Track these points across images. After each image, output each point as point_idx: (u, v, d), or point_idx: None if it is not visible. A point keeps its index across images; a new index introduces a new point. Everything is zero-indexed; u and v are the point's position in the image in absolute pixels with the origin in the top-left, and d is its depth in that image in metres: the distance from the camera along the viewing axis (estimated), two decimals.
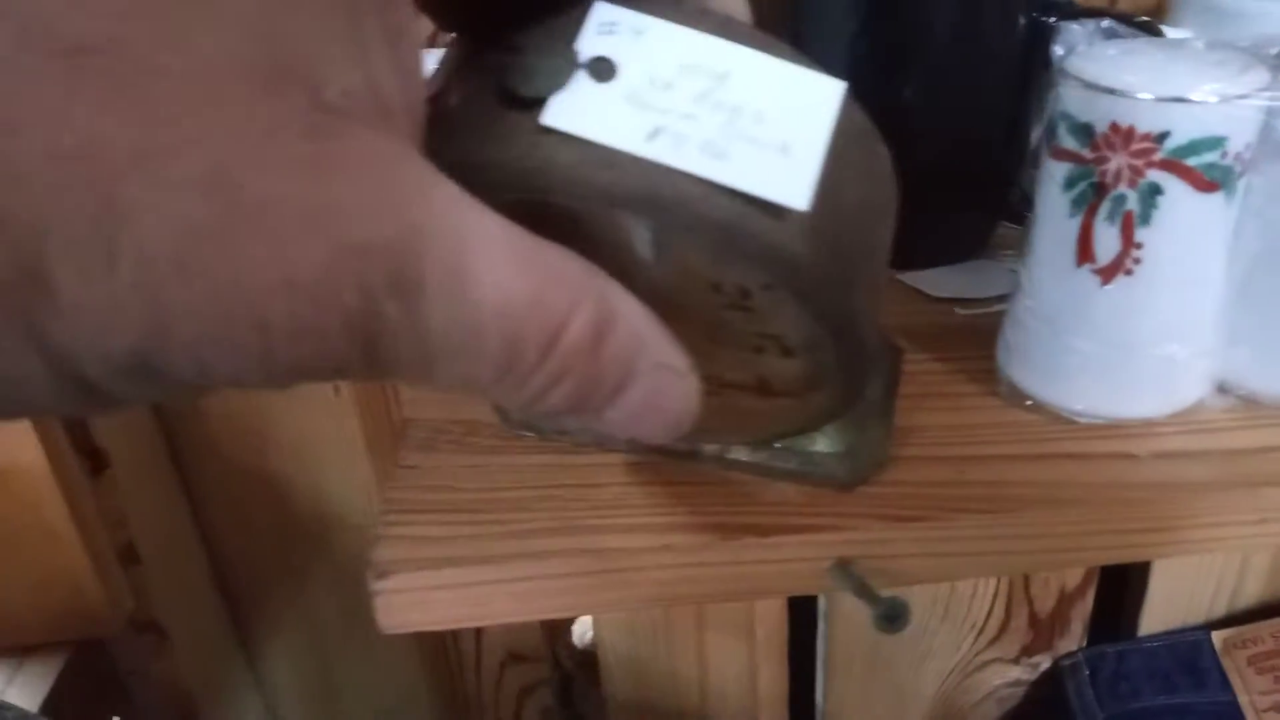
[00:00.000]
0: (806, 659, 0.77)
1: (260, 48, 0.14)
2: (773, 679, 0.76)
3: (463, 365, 0.16)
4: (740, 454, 0.34)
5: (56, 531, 0.53)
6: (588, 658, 0.78)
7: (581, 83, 0.19)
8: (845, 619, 0.75)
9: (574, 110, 0.18)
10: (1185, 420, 0.36)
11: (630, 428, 0.18)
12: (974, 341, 0.41)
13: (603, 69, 0.19)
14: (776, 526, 0.33)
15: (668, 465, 0.35)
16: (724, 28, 0.20)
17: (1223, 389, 0.37)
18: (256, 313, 0.14)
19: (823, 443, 0.33)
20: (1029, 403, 0.37)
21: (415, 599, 0.32)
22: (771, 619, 0.73)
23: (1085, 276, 0.34)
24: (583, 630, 0.80)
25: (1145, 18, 0.39)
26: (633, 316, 0.17)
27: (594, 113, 0.18)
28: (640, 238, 0.22)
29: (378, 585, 0.32)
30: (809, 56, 0.20)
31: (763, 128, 0.19)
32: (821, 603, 0.75)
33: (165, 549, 0.62)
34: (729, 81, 0.19)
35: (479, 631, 0.74)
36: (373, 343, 0.15)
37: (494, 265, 0.15)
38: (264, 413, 0.62)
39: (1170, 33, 0.40)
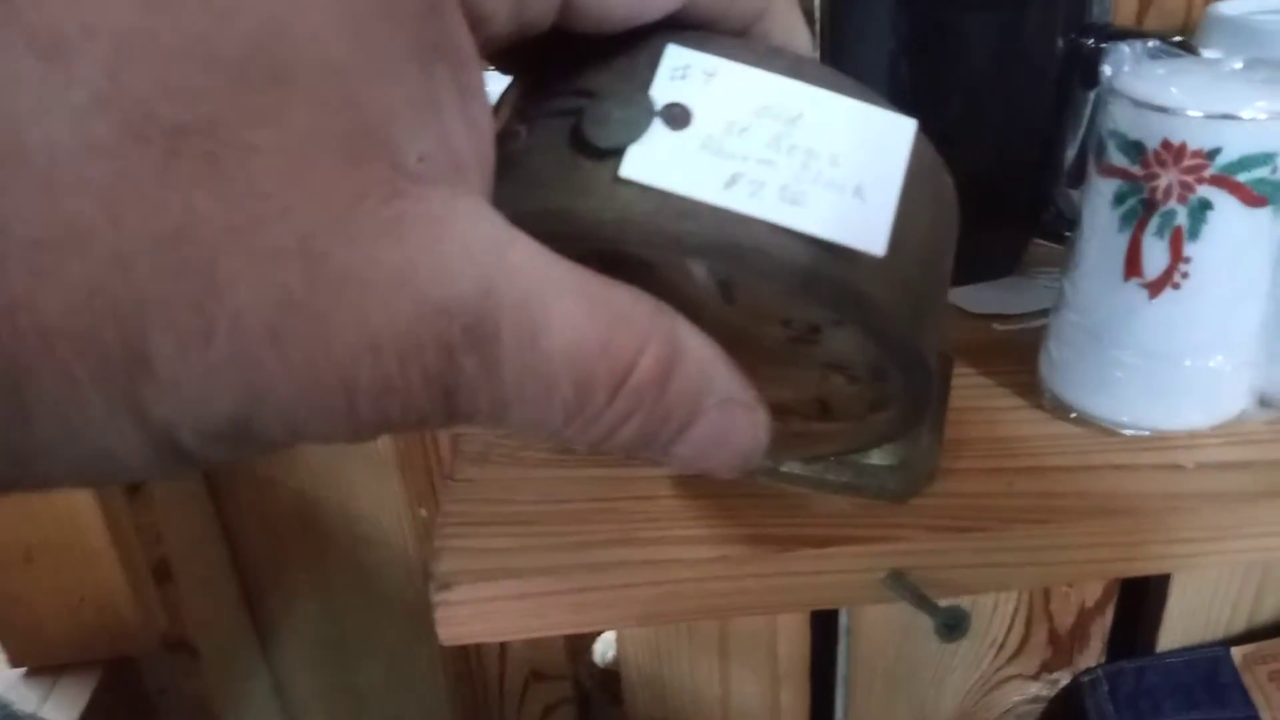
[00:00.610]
0: (828, 677, 0.77)
1: (343, 118, 0.14)
2: (794, 698, 0.76)
3: (536, 411, 0.16)
4: (794, 467, 0.34)
5: (94, 549, 0.53)
6: (608, 677, 0.79)
7: (657, 131, 0.19)
8: (867, 637, 0.75)
9: (651, 161, 0.18)
10: (1228, 432, 0.37)
11: (698, 462, 0.19)
12: (1013, 356, 0.41)
13: (678, 116, 0.19)
14: (830, 538, 0.33)
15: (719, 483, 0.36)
16: (795, 67, 0.20)
17: (1264, 401, 0.37)
18: (344, 376, 0.14)
19: (876, 456, 0.34)
20: (1073, 415, 0.38)
21: (475, 610, 0.33)
22: (794, 637, 0.73)
23: (1132, 290, 0.35)
24: (604, 649, 0.80)
25: (1181, 38, 0.40)
26: (700, 351, 0.18)
27: (671, 162, 0.18)
28: (713, 283, 0.22)
29: (439, 597, 0.32)
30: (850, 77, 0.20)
31: (838, 170, 0.19)
32: (843, 620, 0.75)
33: (197, 567, 0.62)
34: (802, 123, 0.19)
35: (502, 650, 0.74)
36: (452, 395, 0.15)
37: (565, 313, 0.16)
38: None
39: (1203, 53, 0.41)
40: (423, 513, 0.67)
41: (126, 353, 0.13)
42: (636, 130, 0.19)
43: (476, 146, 0.17)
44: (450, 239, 0.15)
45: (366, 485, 0.66)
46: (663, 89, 0.19)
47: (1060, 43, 0.44)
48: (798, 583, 0.33)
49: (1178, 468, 0.35)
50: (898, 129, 0.20)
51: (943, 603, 0.31)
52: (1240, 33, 0.48)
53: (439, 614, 0.32)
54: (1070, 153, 0.45)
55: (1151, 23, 0.57)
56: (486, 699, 0.76)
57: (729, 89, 0.19)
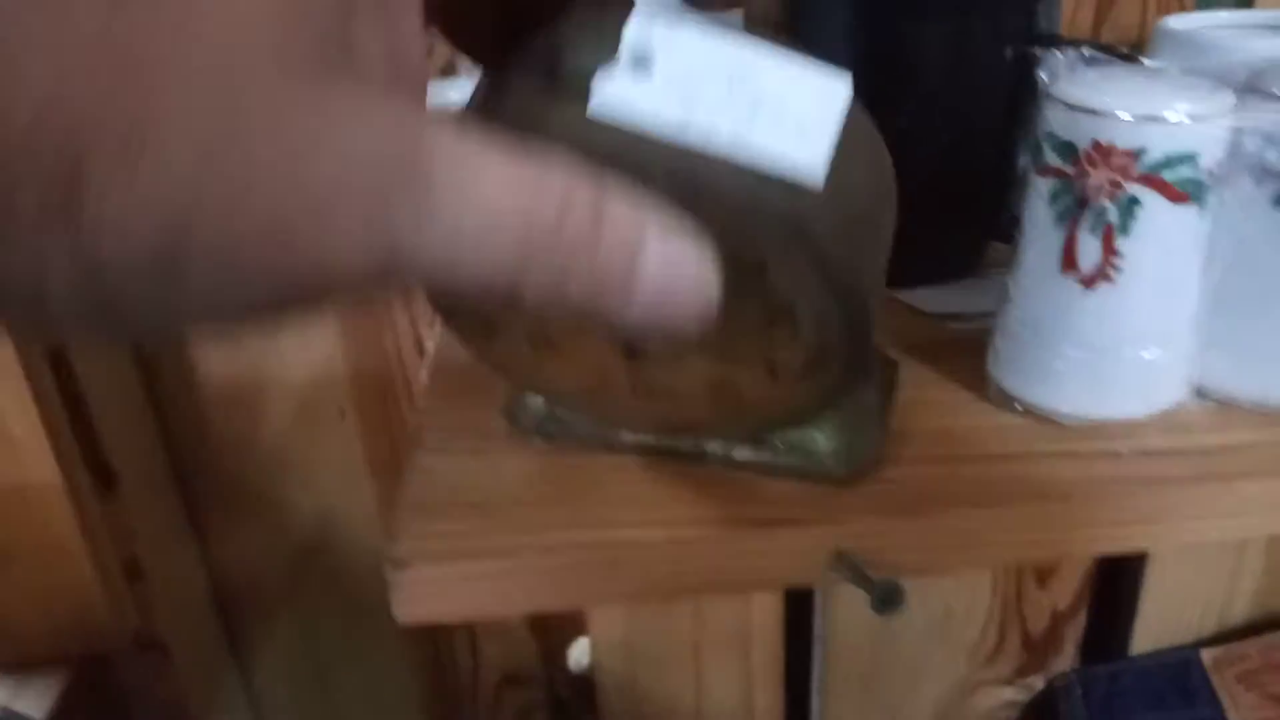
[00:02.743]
0: (802, 682, 0.78)
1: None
2: (768, 702, 0.77)
3: (485, 253, 0.17)
4: (744, 453, 0.36)
5: (66, 547, 0.54)
6: (583, 682, 0.79)
7: (624, 76, 0.21)
8: (841, 641, 0.76)
9: (618, 101, 0.21)
10: (1165, 421, 0.38)
11: (657, 313, 0.19)
12: (966, 353, 0.43)
13: (642, 63, 0.21)
14: (777, 520, 0.34)
15: (674, 465, 0.37)
16: (747, 33, 0.23)
17: (1200, 392, 0.38)
18: (275, 214, 0.15)
19: (822, 441, 0.35)
20: (1018, 407, 0.39)
21: (431, 591, 0.34)
22: (768, 641, 0.74)
23: (1069, 284, 0.36)
24: (578, 655, 0.80)
25: (1125, 49, 0.42)
26: (627, 194, 0.19)
27: (635, 103, 0.21)
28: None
29: (395, 577, 0.33)
30: None
31: (782, 116, 0.22)
32: (817, 626, 0.76)
33: (169, 567, 0.63)
34: (752, 77, 0.22)
35: (475, 653, 0.74)
36: (395, 244, 0.16)
37: (496, 160, 0.17)
38: (270, 433, 0.64)
39: (1148, 64, 0.42)
40: None
41: (67, 166, 0.14)
42: (605, 75, 0.21)
43: (408, 60, 0.18)
44: (378, 106, 0.17)
45: (339, 489, 0.66)
46: (630, 41, 0.22)
47: (1009, 52, 0.45)
48: (746, 564, 0.34)
49: (1115, 455, 0.37)
50: (835, 84, 0.24)
51: (878, 578, 0.32)
52: (1187, 46, 0.49)
53: (395, 595, 0.33)
54: (1023, 158, 0.46)
55: (1107, 36, 0.59)
56: (459, 703, 0.76)
57: (688, 45, 0.22)
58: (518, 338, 0.33)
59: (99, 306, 0.16)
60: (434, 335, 0.49)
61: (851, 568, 0.32)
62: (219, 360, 0.61)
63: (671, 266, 0.19)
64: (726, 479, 0.36)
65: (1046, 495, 0.35)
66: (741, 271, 0.24)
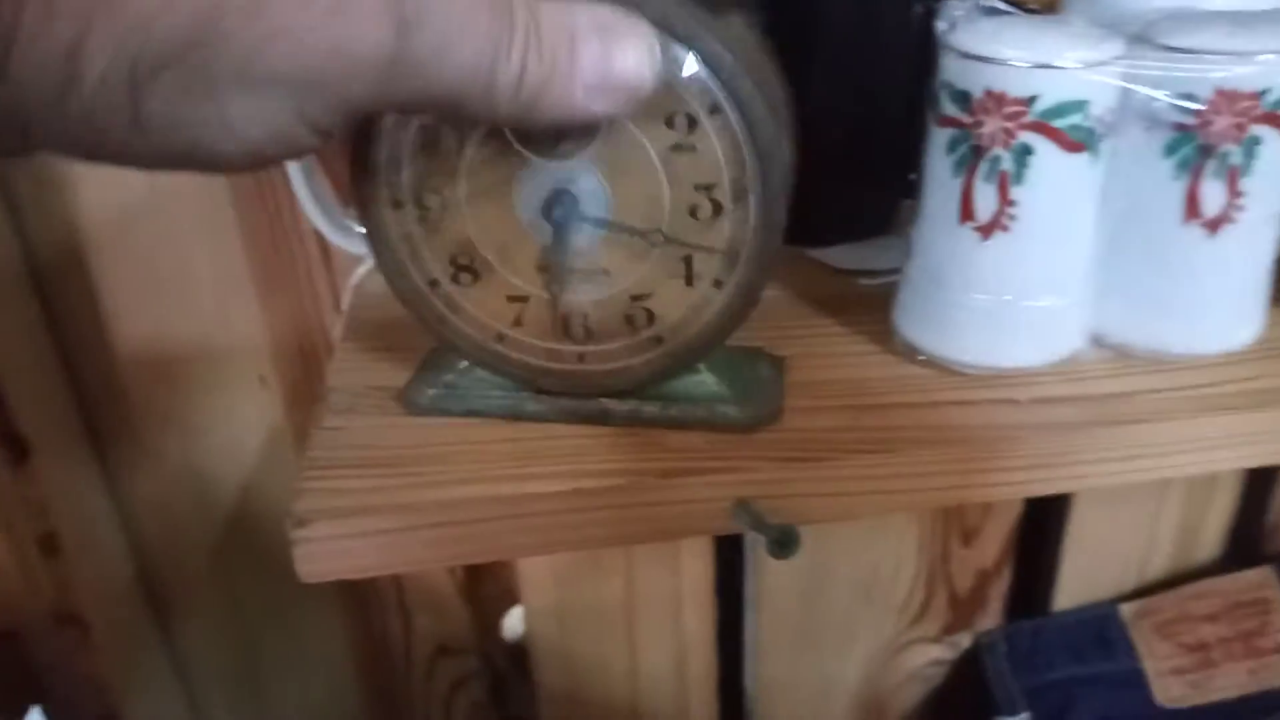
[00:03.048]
0: (735, 645, 0.79)
1: None
2: (701, 665, 0.78)
3: (468, 44, 0.22)
4: (651, 409, 0.36)
5: None
6: (519, 652, 0.79)
7: None
8: (771, 605, 0.77)
9: None
10: (1062, 370, 0.39)
11: (607, 75, 0.24)
12: (874, 308, 0.43)
13: None
14: (681, 470, 0.34)
15: (580, 428, 0.37)
16: None
17: (1097, 340, 0.39)
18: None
19: (724, 391, 0.35)
20: (921, 357, 0.40)
21: (334, 547, 0.33)
22: (699, 604, 0.75)
23: (967, 234, 0.37)
24: (513, 625, 0.80)
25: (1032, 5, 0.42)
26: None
27: None
28: None
29: (296, 534, 0.33)
30: None
31: None
32: (748, 588, 0.77)
33: (87, 541, 0.62)
34: None
35: (407, 624, 0.74)
36: (403, 22, 0.21)
37: None
38: (189, 402, 0.62)
39: (1042, 14, 0.43)
40: None
41: None
42: None
43: None
44: None
45: (263, 458, 0.65)
46: None
47: (918, 7, 0.46)
48: (650, 513, 0.34)
49: (1013, 402, 0.37)
50: None
51: (775, 523, 0.32)
52: (1096, 5, 0.50)
53: (297, 551, 0.33)
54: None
55: None
56: (393, 675, 0.76)
57: None
58: (441, 265, 0.34)
59: (124, 104, 0.19)
60: (349, 292, 0.49)
61: (750, 514, 0.33)
62: (135, 328, 0.59)
63: (610, 32, 0.24)
64: (632, 433, 0.36)
65: (947, 441, 0.35)
66: (673, 130, 0.31)
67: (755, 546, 0.75)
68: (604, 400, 0.36)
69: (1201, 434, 0.37)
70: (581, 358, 0.36)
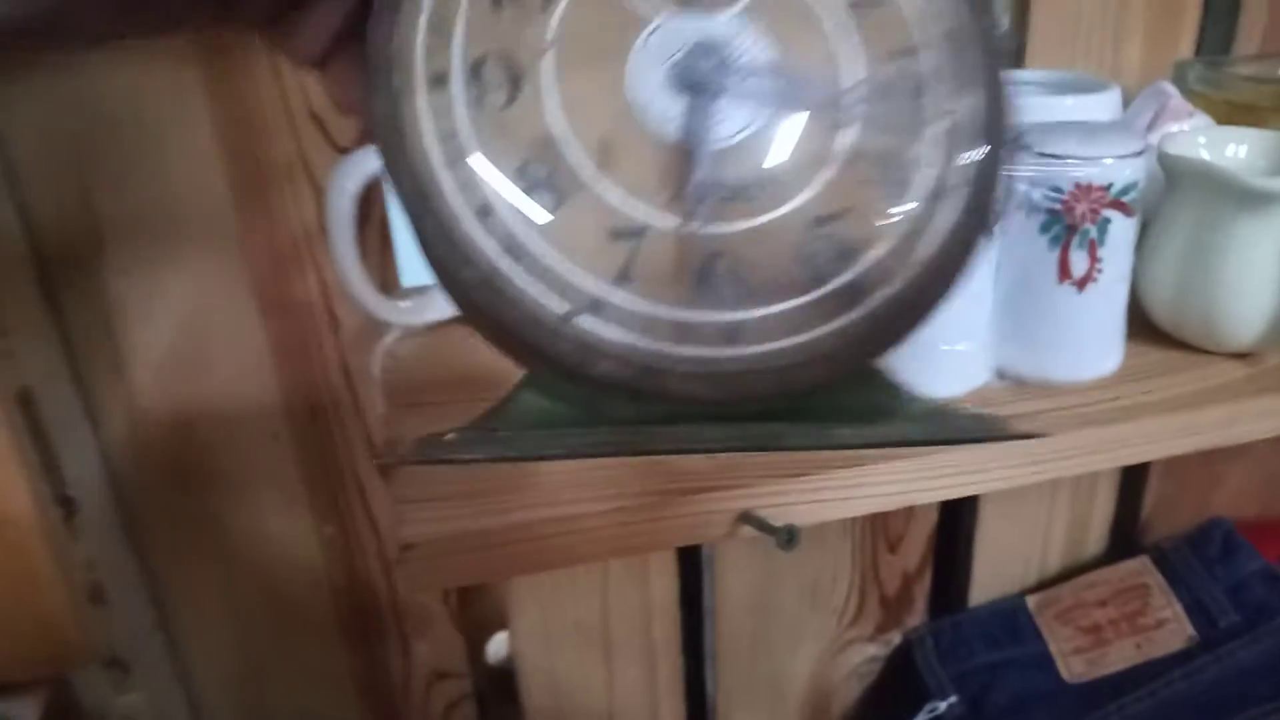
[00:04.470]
0: (697, 652, 0.85)
1: None
2: (669, 671, 0.84)
3: None
4: (844, 432, 0.32)
5: (40, 576, 0.58)
6: (501, 675, 0.85)
7: None
8: (728, 617, 0.85)
9: None
10: (975, 396, 0.49)
11: None
12: None
13: None
14: (695, 489, 0.43)
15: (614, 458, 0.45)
16: None
17: (1000, 374, 0.51)
18: None
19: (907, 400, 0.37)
20: None
21: (429, 565, 0.41)
22: (667, 615, 0.81)
23: None
24: (496, 649, 0.87)
25: None
26: None
27: None
28: None
29: (401, 556, 0.41)
30: None
31: None
32: (707, 599, 0.85)
33: (122, 589, 0.68)
34: None
35: (407, 650, 0.80)
36: None
37: None
38: (208, 458, 0.69)
39: None
40: (328, 530, 0.74)
41: None
42: None
43: None
44: None
45: (276, 508, 0.71)
46: None
47: None
48: (675, 524, 0.42)
49: None
50: None
51: (779, 524, 0.42)
52: None
53: (400, 571, 0.40)
54: None
55: None
56: (393, 701, 0.82)
57: None
58: (503, 180, 0.22)
59: None
60: (378, 356, 0.57)
61: (756, 521, 0.42)
62: (161, 394, 0.65)
63: None
64: (651, 460, 0.45)
65: (896, 456, 0.46)
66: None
67: (712, 563, 0.84)
68: (776, 425, 0.25)
69: (1082, 442, 0.48)
70: (732, 335, 0.23)
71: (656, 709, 0.87)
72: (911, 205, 0.23)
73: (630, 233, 0.21)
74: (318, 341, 0.67)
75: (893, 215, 0.23)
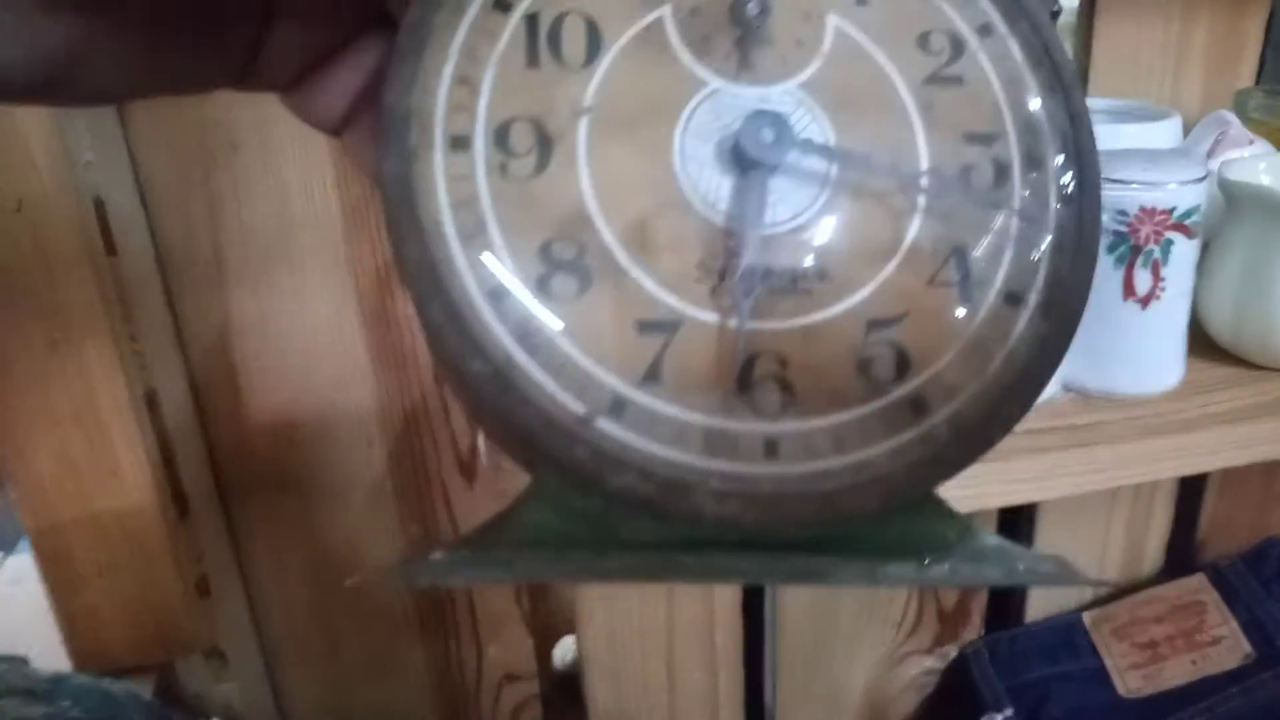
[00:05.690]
0: (757, 662, 0.88)
1: None
2: (730, 682, 0.86)
3: None
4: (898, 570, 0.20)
5: (158, 566, 0.63)
6: (566, 679, 0.88)
7: None
8: (789, 629, 0.87)
9: None
10: (1042, 409, 0.52)
11: None
12: None
13: None
14: None
15: None
16: None
17: (1067, 387, 0.54)
18: None
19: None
20: None
21: None
22: (728, 630, 0.83)
23: None
24: (563, 653, 0.90)
25: None
26: None
27: None
28: None
29: None
30: None
31: None
32: (768, 613, 0.87)
33: (226, 583, 0.72)
34: None
35: (480, 652, 0.83)
36: None
37: None
38: (307, 461, 0.73)
39: None
40: (413, 531, 0.77)
41: None
42: None
43: None
44: None
45: (367, 512, 0.75)
46: None
47: None
48: None
49: (1013, 433, 0.51)
50: None
51: None
52: None
53: None
54: None
55: None
56: (465, 701, 0.85)
57: None
58: (524, 258, 0.19)
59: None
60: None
61: None
62: (267, 400, 0.69)
63: None
64: None
65: None
66: (931, 53, 0.20)
67: None
68: (819, 560, 0.19)
69: (1146, 451, 0.50)
70: (772, 449, 0.19)
71: (716, 715, 0.88)
72: (983, 308, 0.20)
73: (663, 325, 0.19)
74: (415, 353, 0.71)
75: (961, 319, 0.20)
